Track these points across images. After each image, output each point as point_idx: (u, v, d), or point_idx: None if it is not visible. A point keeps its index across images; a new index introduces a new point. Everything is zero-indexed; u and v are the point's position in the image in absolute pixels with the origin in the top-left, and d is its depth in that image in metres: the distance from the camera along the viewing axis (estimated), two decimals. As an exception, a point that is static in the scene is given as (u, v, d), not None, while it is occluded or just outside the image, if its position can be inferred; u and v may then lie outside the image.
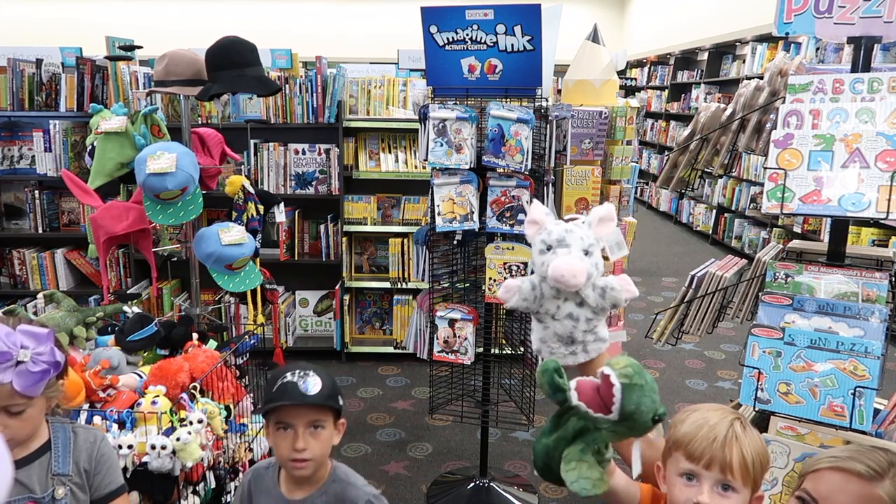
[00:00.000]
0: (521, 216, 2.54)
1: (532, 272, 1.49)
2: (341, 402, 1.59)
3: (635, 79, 12.76)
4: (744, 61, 8.31)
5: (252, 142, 4.08)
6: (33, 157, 4.03)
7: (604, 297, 1.35)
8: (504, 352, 3.03)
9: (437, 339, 2.70)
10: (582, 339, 1.36)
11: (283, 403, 1.50)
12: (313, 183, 4.20)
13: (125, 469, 1.78)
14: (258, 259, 2.76)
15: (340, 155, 4.12)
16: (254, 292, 2.82)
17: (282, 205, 2.97)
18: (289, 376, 1.53)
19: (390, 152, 4.27)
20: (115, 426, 1.87)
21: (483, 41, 2.46)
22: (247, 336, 2.59)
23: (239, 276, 2.61)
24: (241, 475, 2.25)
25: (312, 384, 1.52)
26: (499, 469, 3.14)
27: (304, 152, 4.16)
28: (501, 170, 2.50)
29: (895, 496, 1.20)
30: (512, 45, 2.44)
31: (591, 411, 1.18)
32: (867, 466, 1.23)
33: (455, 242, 2.68)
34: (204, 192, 2.54)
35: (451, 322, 2.67)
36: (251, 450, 2.41)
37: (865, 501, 1.20)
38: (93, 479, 1.51)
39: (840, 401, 1.69)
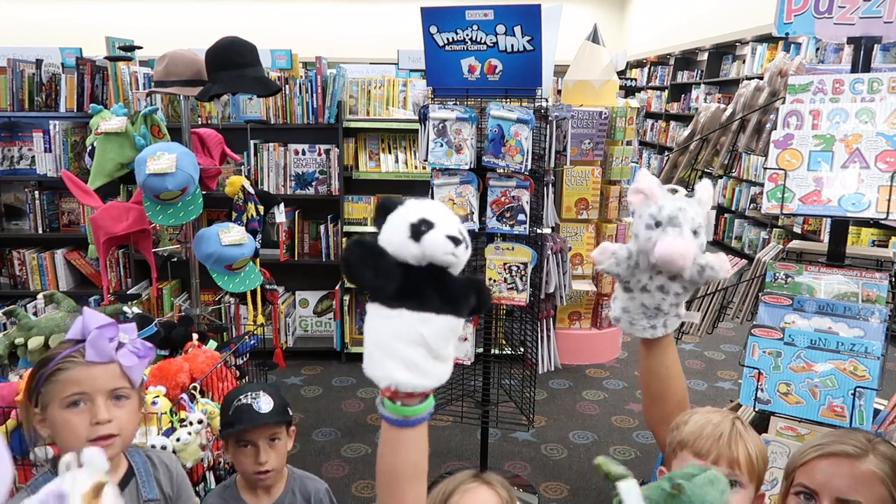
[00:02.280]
0: (520, 216, 2.54)
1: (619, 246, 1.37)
2: (290, 413, 1.79)
3: (635, 79, 12.76)
4: (744, 62, 8.31)
5: (252, 142, 4.08)
6: (33, 157, 4.03)
7: (701, 275, 1.32)
8: (504, 352, 3.03)
9: (437, 339, 2.70)
10: (667, 311, 1.34)
11: (244, 427, 1.68)
12: (313, 183, 4.20)
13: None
14: (258, 259, 2.76)
15: (340, 155, 4.12)
16: (254, 293, 2.82)
17: (282, 205, 2.97)
18: (242, 399, 1.71)
19: (390, 153, 4.27)
20: (114, 427, 1.87)
21: (483, 41, 2.46)
22: (247, 336, 2.59)
23: (239, 276, 2.61)
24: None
25: (265, 403, 1.71)
26: (499, 469, 3.14)
27: (303, 153, 4.16)
28: (501, 170, 2.50)
29: (882, 467, 1.24)
30: (512, 46, 2.44)
31: None
32: (852, 446, 1.27)
33: (455, 243, 2.67)
34: (204, 192, 2.54)
35: (451, 322, 2.67)
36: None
37: (860, 478, 1.24)
38: (175, 503, 1.50)
39: (840, 401, 1.69)
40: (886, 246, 4.94)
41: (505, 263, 2.58)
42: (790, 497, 1.32)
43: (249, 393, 1.72)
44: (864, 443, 1.28)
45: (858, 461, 1.25)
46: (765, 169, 1.85)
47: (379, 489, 1.01)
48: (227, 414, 1.73)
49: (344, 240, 4.22)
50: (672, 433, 1.37)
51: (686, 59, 10.41)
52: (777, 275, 1.95)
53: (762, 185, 3.31)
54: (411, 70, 5.55)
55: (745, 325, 2.06)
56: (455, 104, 2.54)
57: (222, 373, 2.25)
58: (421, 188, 4.21)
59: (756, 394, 1.79)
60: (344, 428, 3.56)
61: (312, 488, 1.82)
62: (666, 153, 10.16)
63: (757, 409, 1.83)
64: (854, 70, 1.92)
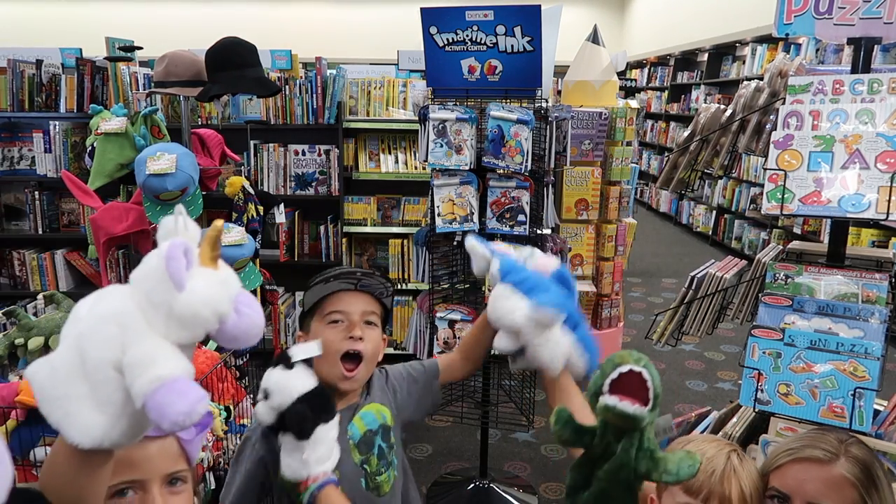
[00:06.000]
0: (520, 217, 2.54)
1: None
2: (390, 297, 1.53)
3: (635, 80, 12.77)
4: (744, 62, 8.32)
5: (252, 143, 4.08)
6: (33, 157, 4.02)
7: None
8: (504, 353, 3.03)
9: (437, 340, 2.70)
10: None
11: (342, 289, 1.42)
12: (313, 184, 4.20)
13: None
14: (258, 260, 2.76)
15: (340, 156, 4.12)
16: (253, 293, 2.82)
17: (282, 206, 2.97)
18: (337, 269, 1.49)
19: (390, 153, 4.27)
20: (114, 427, 1.86)
21: (483, 42, 2.46)
22: (247, 337, 2.59)
23: (239, 276, 2.60)
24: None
25: (364, 272, 1.49)
26: (499, 470, 3.14)
27: (303, 153, 4.16)
28: (501, 171, 2.50)
29: (853, 471, 1.25)
30: (512, 46, 2.44)
31: (644, 411, 1.11)
32: (823, 451, 1.27)
33: (455, 243, 2.68)
34: (204, 193, 2.54)
35: (451, 323, 2.67)
36: (251, 451, 2.41)
37: (830, 483, 1.25)
38: None
39: (840, 402, 1.69)
40: (886, 247, 4.94)
41: (505, 264, 2.58)
42: (766, 500, 1.32)
43: (340, 267, 1.50)
44: (835, 446, 1.29)
45: (829, 465, 1.26)
46: (765, 170, 1.84)
47: None
48: (317, 284, 1.46)
49: (344, 240, 4.22)
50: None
51: (686, 60, 10.42)
52: (777, 275, 1.95)
53: (762, 185, 3.31)
54: (411, 70, 5.55)
55: (744, 326, 2.05)
56: (455, 105, 2.54)
57: (222, 373, 2.25)
58: (421, 189, 4.21)
59: (756, 394, 1.79)
60: (344, 428, 3.56)
61: (379, 379, 1.56)
62: (666, 154, 10.16)
63: (757, 410, 1.83)
64: (854, 71, 1.92)
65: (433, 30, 2.48)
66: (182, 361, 0.79)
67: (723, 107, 2.45)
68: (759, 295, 1.96)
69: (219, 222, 0.85)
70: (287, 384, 1.21)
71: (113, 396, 0.79)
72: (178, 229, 0.86)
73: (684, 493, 1.28)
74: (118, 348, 0.79)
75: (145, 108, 2.75)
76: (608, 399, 1.11)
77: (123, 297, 0.83)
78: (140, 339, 0.79)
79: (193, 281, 0.81)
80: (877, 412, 1.77)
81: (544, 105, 2.60)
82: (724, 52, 9.09)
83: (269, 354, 2.87)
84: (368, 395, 1.52)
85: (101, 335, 0.81)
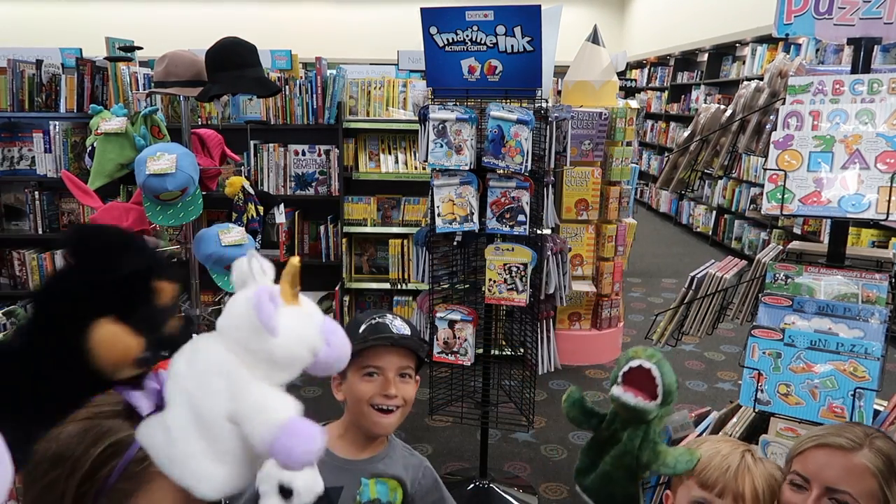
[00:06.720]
0: (520, 217, 2.54)
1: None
2: (426, 349, 1.56)
3: (635, 80, 12.77)
4: (744, 62, 8.32)
5: (252, 143, 4.08)
6: (33, 157, 4.03)
7: None
8: (504, 353, 3.03)
9: (437, 340, 2.70)
10: None
11: (379, 344, 1.45)
12: (313, 184, 4.20)
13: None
14: (258, 260, 2.76)
15: (340, 156, 4.12)
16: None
17: (282, 206, 2.97)
18: (376, 318, 1.50)
19: (390, 153, 4.27)
20: (114, 427, 1.86)
21: (483, 42, 2.46)
22: (246, 337, 2.59)
23: (239, 277, 2.60)
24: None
25: (402, 325, 1.50)
26: (499, 470, 3.14)
27: (303, 153, 4.17)
28: (501, 171, 2.50)
29: (875, 461, 1.27)
30: (512, 47, 2.44)
31: (647, 404, 1.20)
32: (847, 439, 1.30)
33: (455, 243, 2.68)
34: (204, 193, 2.54)
35: (451, 323, 2.67)
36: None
37: (851, 470, 1.27)
38: None
39: (840, 402, 1.69)
40: (886, 247, 4.94)
41: (505, 264, 2.58)
42: (785, 485, 1.33)
43: (380, 313, 1.52)
44: (860, 436, 1.31)
45: (852, 454, 1.28)
46: (765, 170, 1.85)
47: None
48: (354, 333, 1.47)
49: (344, 241, 4.22)
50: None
51: (686, 60, 10.42)
52: (777, 276, 1.95)
53: (762, 185, 3.31)
54: (411, 71, 5.55)
55: (745, 326, 2.05)
56: (455, 105, 2.54)
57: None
58: (421, 189, 4.21)
59: (756, 395, 1.79)
60: (344, 428, 3.56)
61: (415, 461, 1.58)
62: (666, 154, 10.16)
63: (757, 410, 1.83)
64: (854, 71, 1.92)
65: (433, 30, 2.48)
66: (290, 400, 0.83)
67: (723, 107, 2.45)
68: (759, 295, 1.96)
69: (294, 259, 0.87)
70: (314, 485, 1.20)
71: (230, 446, 0.83)
72: (255, 273, 0.87)
73: (699, 487, 1.31)
74: (228, 399, 0.83)
75: (145, 108, 2.75)
76: (615, 389, 1.24)
77: (219, 348, 0.86)
78: (248, 387, 0.83)
79: (283, 322, 0.83)
80: (877, 412, 1.77)
81: (544, 105, 2.60)
82: (724, 52, 9.09)
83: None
84: (398, 455, 1.55)
85: (210, 389, 0.84)
